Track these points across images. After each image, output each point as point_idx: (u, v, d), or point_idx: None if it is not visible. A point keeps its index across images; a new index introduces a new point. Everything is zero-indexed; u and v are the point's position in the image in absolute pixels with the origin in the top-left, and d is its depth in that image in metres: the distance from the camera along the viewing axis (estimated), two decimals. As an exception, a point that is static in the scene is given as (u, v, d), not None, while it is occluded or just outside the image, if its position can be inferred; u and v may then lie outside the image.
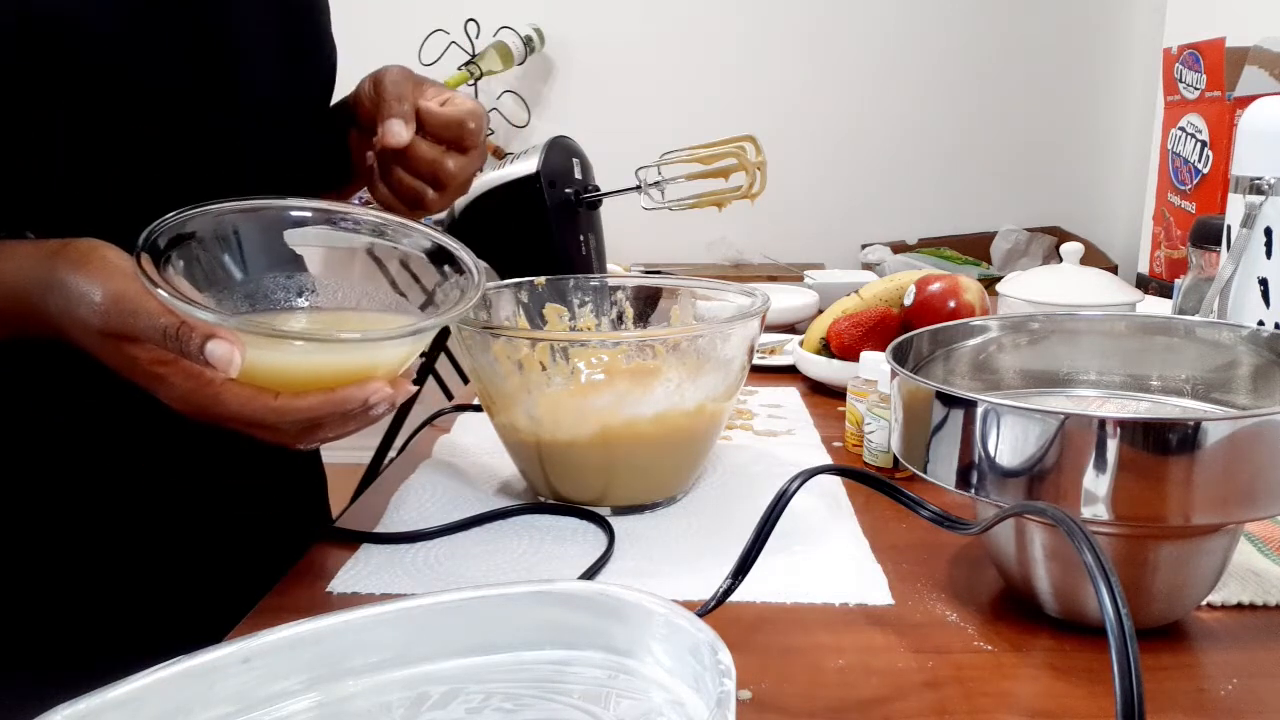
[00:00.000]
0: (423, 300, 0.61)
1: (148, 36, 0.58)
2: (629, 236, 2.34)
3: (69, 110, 0.56)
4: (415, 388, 0.54)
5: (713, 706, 0.34)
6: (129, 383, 0.50)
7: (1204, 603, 0.55)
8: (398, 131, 0.61)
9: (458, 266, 0.59)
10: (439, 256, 0.59)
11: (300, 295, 0.59)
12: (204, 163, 0.63)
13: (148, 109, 0.59)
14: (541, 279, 0.82)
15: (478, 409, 0.95)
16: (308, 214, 0.58)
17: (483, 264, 0.58)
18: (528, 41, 2.69)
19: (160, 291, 0.46)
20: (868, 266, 2.59)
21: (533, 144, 1.09)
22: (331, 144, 0.73)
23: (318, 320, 0.59)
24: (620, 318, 0.85)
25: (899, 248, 2.75)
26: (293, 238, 0.59)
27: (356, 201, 0.76)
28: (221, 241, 0.55)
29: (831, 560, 0.62)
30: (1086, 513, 0.47)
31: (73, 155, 0.57)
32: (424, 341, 0.54)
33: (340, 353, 0.50)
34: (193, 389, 0.48)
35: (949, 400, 0.51)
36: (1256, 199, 0.82)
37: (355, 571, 0.61)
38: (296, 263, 0.60)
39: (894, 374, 0.56)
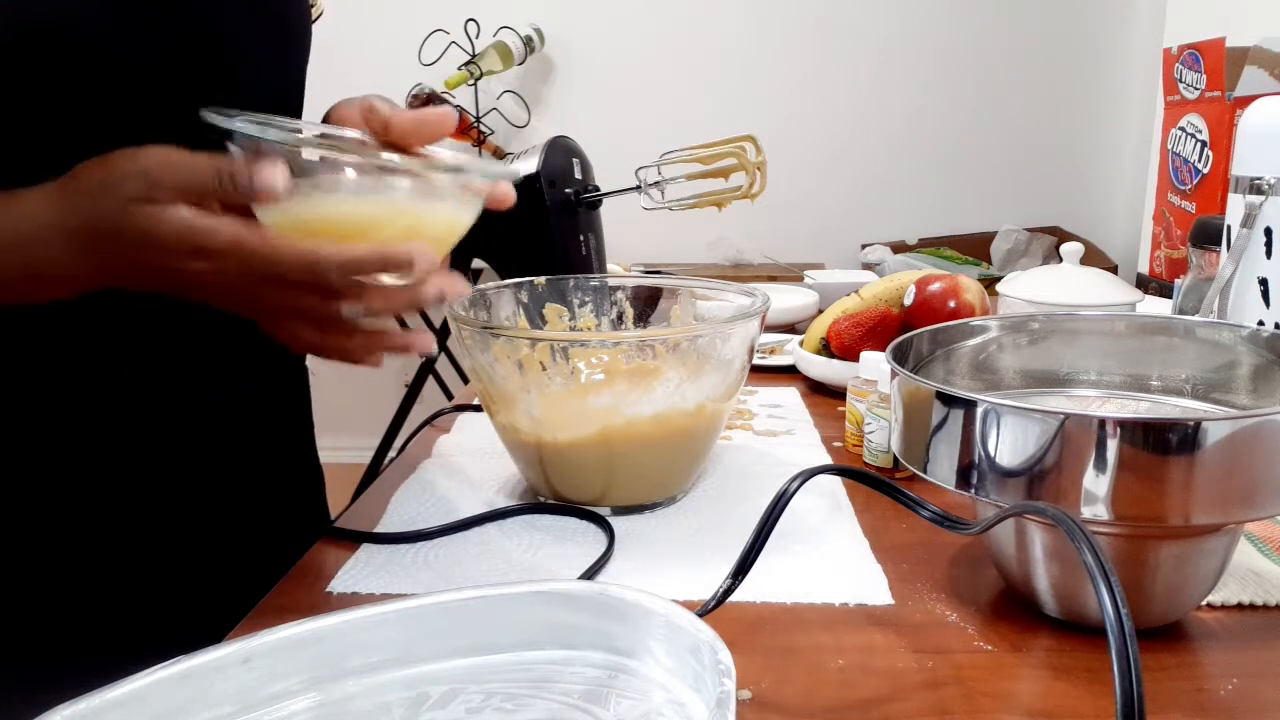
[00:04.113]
0: None
1: (142, 27, 0.58)
2: (629, 236, 2.34)
3: (64, 102, 0.56)
4: (466, 289, 0.53)
5: (713, 706, 0.34)
6: (134, 378, 0.50)
7: (1204, 603, 0.55)
8: None
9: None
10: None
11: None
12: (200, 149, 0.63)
13: (144, 99, 0.59)
14: (541, 279, 0.82)
15: (478, 409, 0.95)
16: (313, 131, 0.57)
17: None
18: (528, 41, 2.69)
19: (237, 121, 0.47)
20: (868, 266, 2.59)
21: (533, 144, 1.09)
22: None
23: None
24: (620, 318, 0.85)
25: (899, 248, 2.75)
26: None
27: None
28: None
29: (831, 560, 0.62)
30: (1086, 513, 0.47)
31: (69, 146, 0.57)
32: (470, 210, 0.53)
33: (390, 197, 0.50)
34: (247, 252, 0.47)
35: (949, 400, 0.51)
36: (1256, 199, 0.82)
37: (355, 571, 0.61)
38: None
39: (894, 374, 0.56)
